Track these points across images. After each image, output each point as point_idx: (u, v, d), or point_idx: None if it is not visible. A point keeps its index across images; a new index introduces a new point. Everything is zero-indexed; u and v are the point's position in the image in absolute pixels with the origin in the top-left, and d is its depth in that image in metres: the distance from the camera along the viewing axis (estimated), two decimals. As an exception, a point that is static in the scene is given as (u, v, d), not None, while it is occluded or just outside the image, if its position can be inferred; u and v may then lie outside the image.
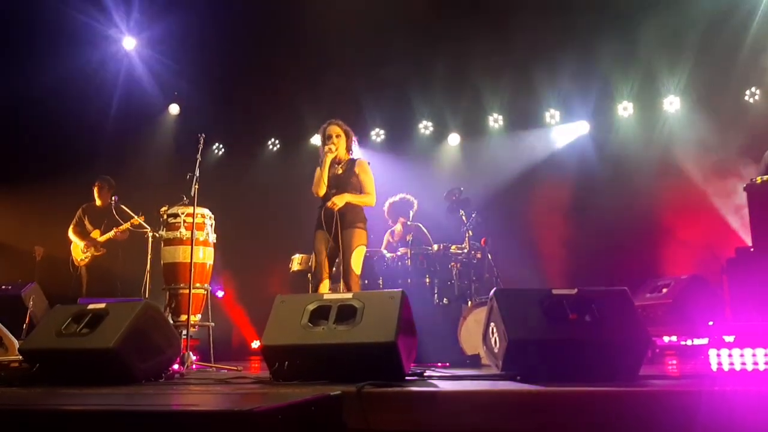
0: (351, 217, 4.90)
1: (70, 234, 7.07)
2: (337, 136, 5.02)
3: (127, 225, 6.64)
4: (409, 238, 6.30)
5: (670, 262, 7.78)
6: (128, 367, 3.34)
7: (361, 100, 8.82)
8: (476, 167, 8.85)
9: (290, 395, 2.35)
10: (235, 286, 8.91)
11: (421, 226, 6.74)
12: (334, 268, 5.11)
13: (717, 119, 7.82)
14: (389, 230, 6.83)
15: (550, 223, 8.39)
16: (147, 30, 8.63)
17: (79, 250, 7.02)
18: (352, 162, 5.08)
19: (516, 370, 3.05)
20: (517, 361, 3.06)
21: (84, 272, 7.01)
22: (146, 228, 6.27)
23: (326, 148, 4.94)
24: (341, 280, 5.03)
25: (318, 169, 5.04)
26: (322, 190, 4.95)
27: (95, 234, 6.97)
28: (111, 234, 6.84)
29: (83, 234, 7.03)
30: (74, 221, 7.11)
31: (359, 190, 5.01)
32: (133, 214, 6.54)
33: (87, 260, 6.97)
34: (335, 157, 5.02)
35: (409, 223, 6.75)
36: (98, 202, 7.13)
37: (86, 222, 7.07)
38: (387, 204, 6.75)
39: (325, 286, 4.89)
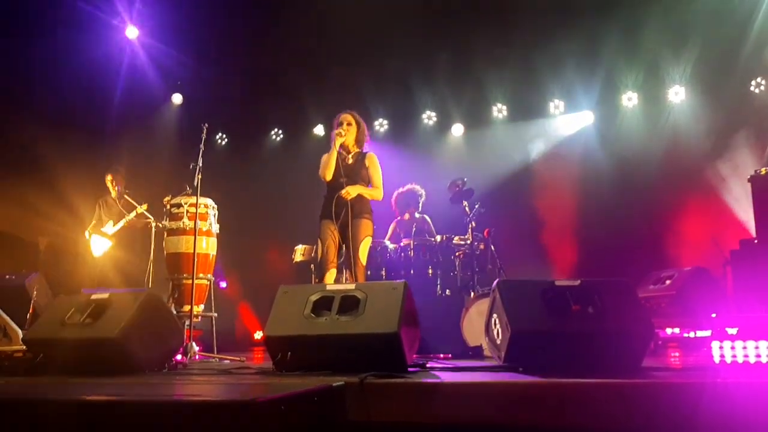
0: (359, 207, 4.94)
1: (90, 230, 7.01)
2: (348, 124, 5.06)
3: (133, 215, 6.64)
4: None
5: (673, 254, 7.76)
6: (131, 357, 3.35)
7: (364, 91, 8.79)
8: (480, 158, 8.83)
9: (293, 386, 2.36)
10: (238, 277, 8.93)
11: (427, 217, 6.73)
12: (341, 258, 5.13)
13: (722, 110, 7.78)
14: (395, 220, 6.81)
15: (553, 214, 8.38)
16: (150, 19, 8.60)
17: (98, 245, 6.99)
18: (362, 154, 5.12)
19: (518, 361, 3.05)
20: (520, 352, 3.06)
21: (99, 264, 7.00)
22: (149, 218, 6.27)
23: (335, 132, 4.99)
24: (345, 270, 5.04)
25: (326, 154, 5.07)
26: (329, 175, 4.98)
27: (109, 226, 6.97)
28: (124, 223, 6.82)
29: (102, 226, 7.02)
30: (94, 218, 7.03)
31: (367, 182, 5.07)
32: (136, 204, 6.53)
33: (103, 252, 6.97)
34: (345, 145, 5.07)
35: (417, 214, 6.73)
36: (113, 194, 7.10)
37: (103, 215, 7.05)
38: (395, 195, 6.73)
39: (331, 276, 4.90)
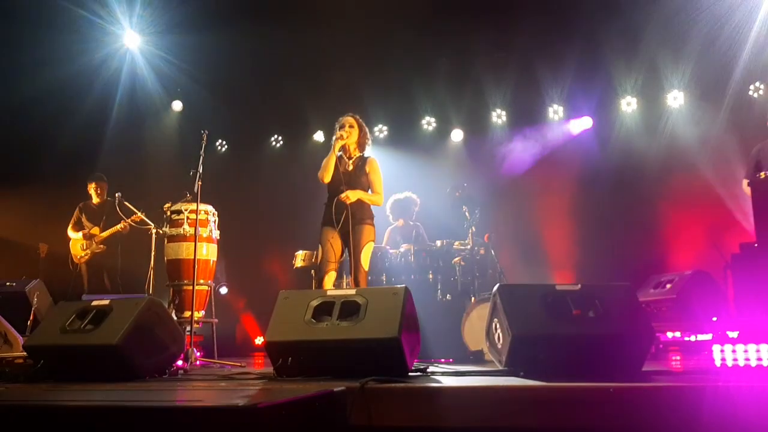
0: (360, 213, 4.92)
1: (69, 232, 7.11)
2: (350, 127, 5.03)
3: (129, 221, 6.66)
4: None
5: (674, 258, 7.76)
6: (132, 363, 3.35)
7: (364, 96, 8.79)
8: (479, 163, 8.84)
9: (294, 391, 2.36)
10: (239, 283, 8.92)
11: (420, 225, 6.77)
12: (342, 263, 5.13)
13: (721, 114, 7.79)
14: (390, 227, 6.84)
15: (553, 219, 8.38)
16: (150, 26, 8.62)
17: (78, 248, 7.05)
18: (363, 160, 5.07)
19: (519, 365, 3.05)
20: (521, 356, 3.06)
21: (84, 269, 7.04)
22: (149, 224, 6.28)
23: (337, 134, 4.95)
24: (346, 276, 5.03)
25: (327, 156, 5.01)
26: (328, 177, 4.95)
27: (95, 231, 7.00)
28: (119, 227, 6.83)
29: (82, 231, 7.07)
30: (73, 220, 7.15)
31: (367, 188, 5.02)
32: (136, 210, 6.55)
33: (87, 257, 7.01)
34: (347, 148, 5.04)
35: (411, 222, 6.78)
36: (95, 200, 7.19)
37: (84, 220, 7.12)
38: (391, 200, 6.76)
39: (330, 280, 4.88)
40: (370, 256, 4.97)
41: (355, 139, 5.05)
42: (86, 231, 7.01)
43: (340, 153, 5.07)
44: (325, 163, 4.97)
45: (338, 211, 4.88)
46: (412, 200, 6.79)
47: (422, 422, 2.37)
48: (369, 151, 5.21)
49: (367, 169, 5.02)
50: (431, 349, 4.93)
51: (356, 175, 4.99)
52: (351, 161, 5.06)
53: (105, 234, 6.97)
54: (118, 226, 6.83)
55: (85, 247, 7.02)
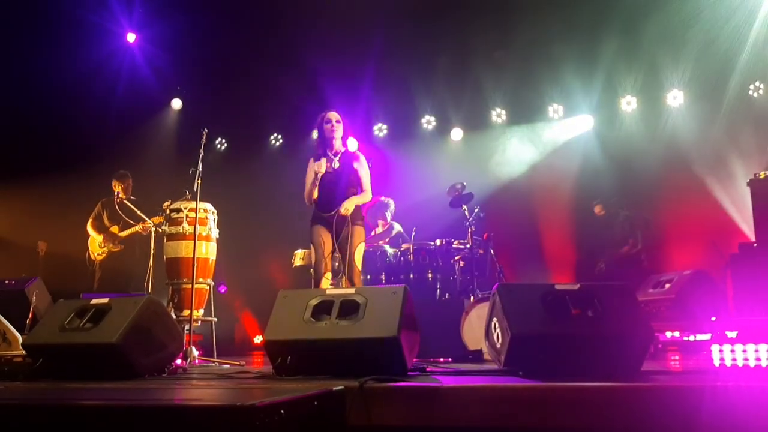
0: (354, 214, 4.98)
1: (89, 228, 7.00)
2: (337, 122, 5.10)
3: (146, 223, 6.61)
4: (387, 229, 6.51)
5: (673, 258, 7.76)
6: (131, 361, 3.34)
7: (364, 95, 8.81)
8: (479, 162, 8.84)
9: (293, 390, 2.36)
10: (238, 282, 8.92)
11: (397, 224, 6.80)
12: (337, 263, 5.15)
13: (721, 113, 7.79)
14: (372, 231, 6.87)
15: (553, 218, 8.38)
16: (149, 25, 8.63)
17: (96, 245, 6.95)
18: (349, 156, 5.12)
19: (518, 365, 3.05)
20: (520, 356, 3.06)
21: (98, 268, 6.97)
22: (148, 222, 6.27)
23: (316, 165, 4.99)
24: (343, 275, 5.06)
25: (310, 169, 5.06)
26: (315, 196, 5.02)
27: (114, 229, 6.93)
28: (138, 228, 6.76)
29: (101, 229, 6.97)
30: (93, 215, 7.01)
31: (356, 185, 5.07)
32: (139, 212, 6.53)
33: (103, 256, 6.93)
34: (332, 146, 5.08)
35: (387, 222, 6.82)
36: (118, 198, 7.07)
37: (105, 217, 7.00)
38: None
39: (327, 280, 4.93)
40: (365, 255, 5.08)
41: (341, 134, 5.13)
42: (105, 236, 6.90)
43: (327, 152, 5.10)
44: (309, 189, 5.01)
45: (328, 210, 4.94)
46: (383, 203, 6.84)
47: (421, 421, 2.36)
48: (354, 144, 5.27)
49: (356, 165, 5.08)
50: (430, 348, 4.93)
51: (344, 173, 5.03)
52: (337, 158, 5.08)
53: (123, 234, 6.89)
54: (137, 227, 6.77)
55: (103, 245, 6.93)
